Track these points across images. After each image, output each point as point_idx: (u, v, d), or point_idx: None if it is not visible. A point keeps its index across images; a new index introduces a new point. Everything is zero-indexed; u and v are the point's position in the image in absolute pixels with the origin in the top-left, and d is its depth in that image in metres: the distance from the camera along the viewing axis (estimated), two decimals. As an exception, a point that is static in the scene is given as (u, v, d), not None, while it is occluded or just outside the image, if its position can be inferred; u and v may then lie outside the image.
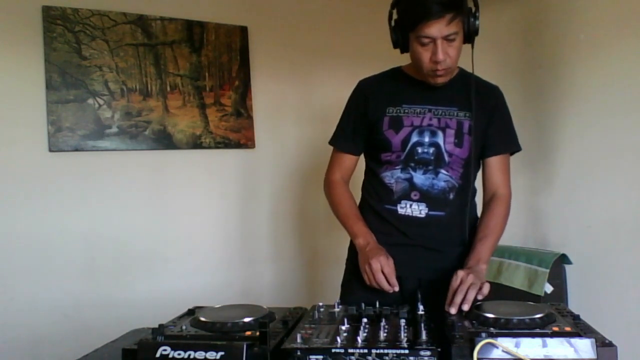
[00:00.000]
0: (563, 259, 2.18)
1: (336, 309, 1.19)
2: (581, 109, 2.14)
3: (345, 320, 1.06)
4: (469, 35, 1.37)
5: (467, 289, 1.18)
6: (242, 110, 2.62)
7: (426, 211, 1.43)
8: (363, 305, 1.19)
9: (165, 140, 2.43)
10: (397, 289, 1.36)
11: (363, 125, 1.51)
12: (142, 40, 2.38)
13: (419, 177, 1.43)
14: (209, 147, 2.54)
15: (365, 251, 1.40)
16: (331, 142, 1.59)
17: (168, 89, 2.44)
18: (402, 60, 1.49)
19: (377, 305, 1.20)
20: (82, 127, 2.24)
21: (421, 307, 1.14)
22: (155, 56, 2.40)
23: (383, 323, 1.03)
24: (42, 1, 2.16)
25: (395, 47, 1.42)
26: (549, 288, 2.15)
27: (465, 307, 1.15)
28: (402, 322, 1.05)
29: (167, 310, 1.34)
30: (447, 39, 1.31)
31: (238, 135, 2.61)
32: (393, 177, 1.45)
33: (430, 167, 1.43)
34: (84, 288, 2.25)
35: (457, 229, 1.46)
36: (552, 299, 2.10)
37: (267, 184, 2.73)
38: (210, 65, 2.54)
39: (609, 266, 2.05)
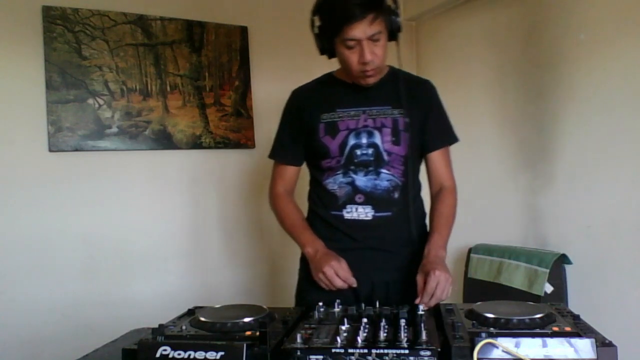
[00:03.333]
0: (563, 259, 2.18)
1: (336, 309, 1.19)
2: (581, 109, 2.14)
3: (345, 320, 1.06)
4: (393, 33, 1.38)
5: (441, 294, 1.23)
6: (242, 110, 2.62)
7: (372, 213, 1.43)
8: (363, 305, 1.20)
9: (165, 140, 2.43)
10: (355, 284, 1.36)
11: (300, 135, 1.51)
12: (142, 40, 2.38)
13: (360, 180, 1.43)
14: (209, 147, 2.54)
15: (316, 259, 1.40)
16: (270, 156, 1.60)
17: (168, 89, 2.44)
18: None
19: (377, 305, 1.20)
20: (82, 127, 2.24)
21: (421, 307, 1.14)
22: (155, 56, 2.40)
23: (383, 323, 1.03)
24: (42, 1, 2.16)
25: (322, 53, 1.42)
26: (549, 288, 2.15)
27: (432, 303, 1.23)
28: (402, 322, 1.05)
29: (167, 310, 1.34)
30: (371, 39, 1.32)
31: (238, 135, 2.61)
32: (336, 182, 1.46)
33: (371, 168, 1.43)
34: (83, 288, 2.25)
35: (405, 227, 1.46)
36: (552, 299, 2.10)
37: (267, 183, 2.72)
38: (210, 65, 2.54)
39: (609, 266, 2.05)
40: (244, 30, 2.63)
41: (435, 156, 1.51)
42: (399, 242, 1.46)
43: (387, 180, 1.44)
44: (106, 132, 2.29)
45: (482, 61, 2.64)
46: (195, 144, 2.50)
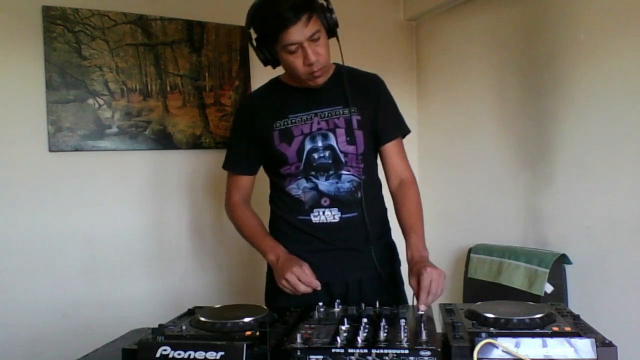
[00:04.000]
0: (563, 259, 2.18)
1: (336, 309, 1.19)
2: (581, 109, 2.14)
3: (345, 320, 1.06)
4: (331, 30, 1.38)
5: (437, 290, 1.22)
6: (242, 110, 2.62)
7: (339, 215, 1.44)
8: (363, 305, 1.19)
9: (165, 140, 2.43)
10: (319, 287, 1.34)
11: (254, 145, 1.51)
12: (142, 40, 2.38)
13: (323, 184, 1.44)
14: (209, 147, 2.54)
15: (278, 267, 1.39)
16: (224, 167, 1.58)
17: (168, 89, 2.44)
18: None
19: (377, 305, 1.20)
20: (82, 127, 2.24)
21: (422, 307, 1.14)
22: (155, 56, 2.40)
23: (383, 323, 1.03)
24: (42, 1, 2.16)
25: (265, 64, 1.43)
26: (549, 288, 2.15)
27: (430, 300, 1.22)
28: (402, 322, 1.05)
29: (167, 310, 1.35)
30: (311, 39, 1.32)
31: (238, 135, 2.61)
32: (300, 187, 1.45)
33: (331, 172, 1.43)
34: (83, 288, 2.25)
35: (371, 225, 1.46)
36: (552, 299, 2.10)
37: (267, 183, 2.72)
38: (210, 65, 2.54)
39: (609, 266, 2.05)
40: (244, 30, 2.63)
41: (389, 148, 1.51)
42: (367, 241, 1.46)
43: (349, 182, 1.44)
44: (106, 132, 2.29)
45: (482, 61, 2.64)
46: (195, 144, 2.50)
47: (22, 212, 2.15)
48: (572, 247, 2.19)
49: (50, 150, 2.19)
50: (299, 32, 1.29)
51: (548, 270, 2.15)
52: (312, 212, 1.45)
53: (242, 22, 2.61)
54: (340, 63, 1.49)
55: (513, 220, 2.49)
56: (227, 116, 2.58)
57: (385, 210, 1.57)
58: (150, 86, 2.39)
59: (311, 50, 1.32)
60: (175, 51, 2.45)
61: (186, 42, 2.48)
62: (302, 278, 1.32)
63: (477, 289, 2.49)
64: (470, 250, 2.58)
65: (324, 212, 1.44)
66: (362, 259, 1.46)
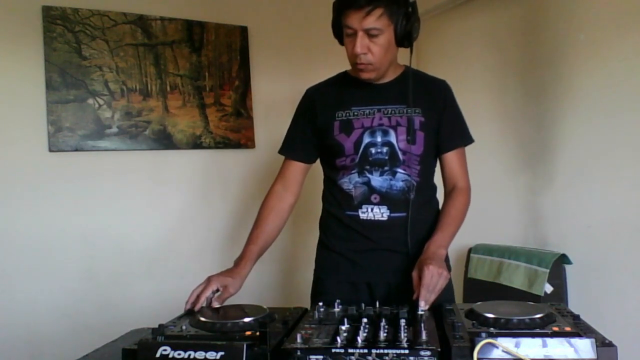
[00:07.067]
0: (563, 259, 2.18)
1: (336, 309, 1.19)
2: (581, 109, 2.14)
3: (345, 320, 1.06)
4: (398, 38, 1.35)
5: (434, 287, 1.21)
6: (242, 110, 2.63)
7: (388, 213, 1.42)
8: (363, 305, 1.19)
9: (165, 140, 2.43)
10: (188, 307, 1.28)
11: (311, 133, 1.50)
12: (142, 40, 2.38)
13: (376, 180, 1.42)
14: (209, 147, 2.54)
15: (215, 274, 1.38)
16: (280, 151, 1.58)
17: (168, 89, 2.44)
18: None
19: (377, 305, 1.20)
20: (82, 127, 2.24)
21: (422, 306, 1.14)
22: (155, 56, 2.41)
23: (383, 323, 1.03)
24: (42, 1, 2.16)
25: (335, 36, 1.42)
26: (549, 288, 2.15)
27: (431, 298, 1.20)
28: (402, 322, 1.05)
29: (167, 310, 1.34)
30: (368, 33, 1.30)
31: (238, 135, 2.61)
32: (351, 182, 1.44)
33: (386, 168, 1.41)
34: (84, 288, 2.25)
35: (421, 229, 1.44)
36: (552, 299, 2.10)
37: (267, 184, 2.71)
38: (210, 65, 2.54)
39: (609, 266, 2.05)
40: (244, 30, 2.63)
41: (450, 157, 1.50)
42: (415, 244, 1.43)
43: (403, 181, 1.42)
44: (106, 132, 2.30)
45: (482, 61, 2.64)
46: (195, 144, 2.50)
47: (22, 212, 2.15)
48: (572, 247, 2.18)
49: (50, 150, 2.19)
50: (356, 19, 1.28)
51: (548, 270, 2.14)
52: (361, 208, 1.43)
53: (242, 22, 2.64)
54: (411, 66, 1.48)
55: (513, 220, 2.48)
56: (227, 116, 2.58)
57: (438, 214, 1.53)
58: (150, 86, 2.39)
59: (361, 42, 1.31)
60: (175, 51, 2.45)
61: (186, 42, 2.48)
62: (201, 292, 1.30)
63: (477, 289, 2.48)
64: (470, 250, 2.58)
65: (372, 209, 1.42)
66: (407, 262, 1.43)
